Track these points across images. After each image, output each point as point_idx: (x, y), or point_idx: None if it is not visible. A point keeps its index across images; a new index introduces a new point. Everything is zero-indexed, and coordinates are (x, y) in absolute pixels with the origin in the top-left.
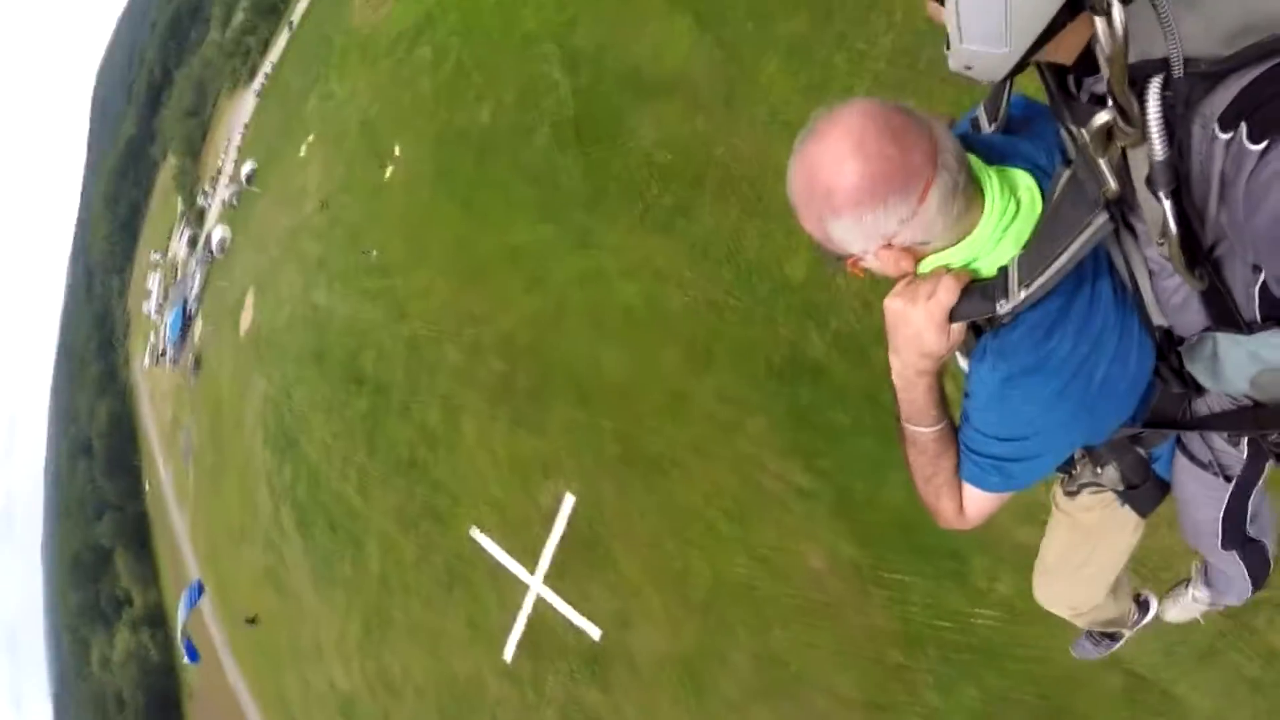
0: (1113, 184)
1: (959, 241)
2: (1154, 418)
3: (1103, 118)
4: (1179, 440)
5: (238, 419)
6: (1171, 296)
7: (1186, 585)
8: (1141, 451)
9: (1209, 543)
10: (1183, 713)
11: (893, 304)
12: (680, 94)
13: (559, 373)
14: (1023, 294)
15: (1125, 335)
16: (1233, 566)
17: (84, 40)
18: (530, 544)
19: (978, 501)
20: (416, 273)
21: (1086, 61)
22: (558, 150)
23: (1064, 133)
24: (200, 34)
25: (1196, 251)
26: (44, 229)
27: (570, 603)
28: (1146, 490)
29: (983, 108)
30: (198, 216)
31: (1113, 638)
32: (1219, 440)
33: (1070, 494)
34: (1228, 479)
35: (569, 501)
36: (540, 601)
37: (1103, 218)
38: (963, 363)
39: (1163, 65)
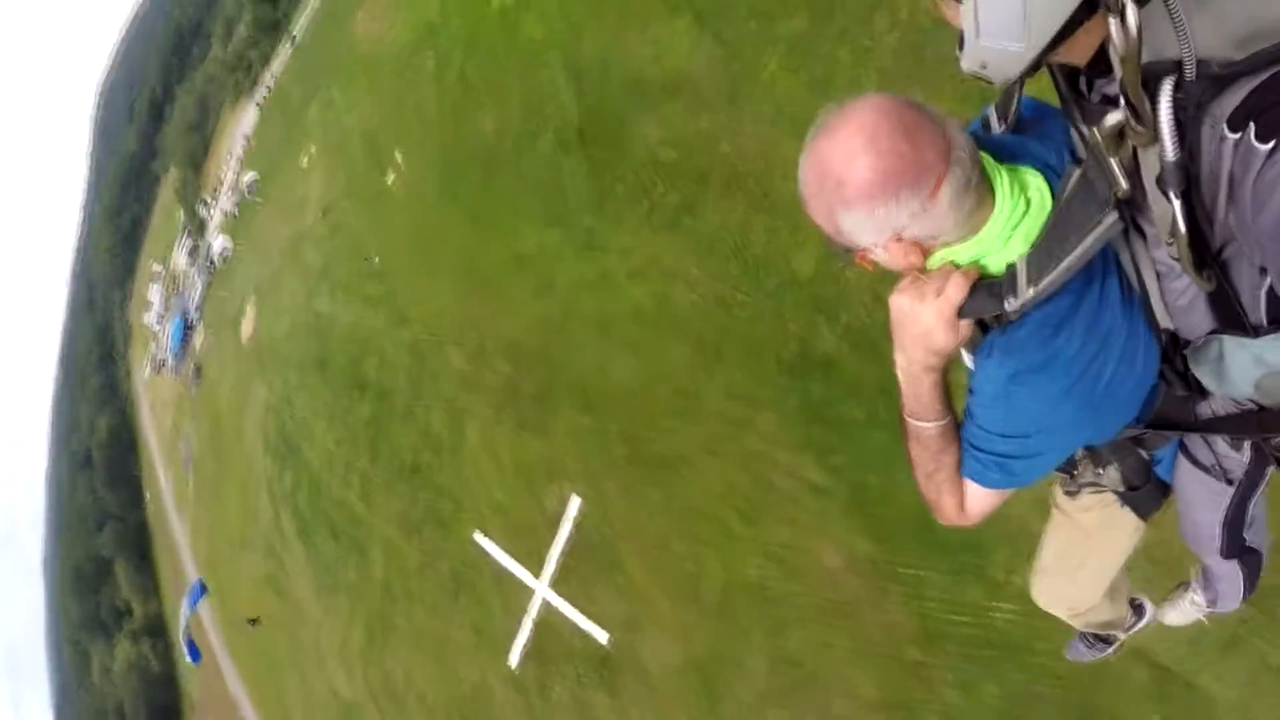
0: (1123, 183)
1: (968, 238)
2: (1158, 419)
3: (1115, 118)
4: (1182, 443)
5: (238, 427)
6: (1178, 299)
7: (1185, 589)
8: (1144, 453)
9: (1208, 546)
10: (1207, 704)
11: (899, 301)
12: (683, 94)
13: (565, 376)
14: (1031, 292)
15: (1132, 336)
16: (1230, 571)
17: (83, 61)
18: (536, 548)
19: (979, 498)
20: (419, 279)
21: (1097, 63)
22: (562, 155)
23: (1074, 133)
24: (202, 50)
25: (1205, 252)
26: (44, 245)
27: (577, 607)
28: (1147, 492)
29: (993, 107)
30: (199, 227)
31: (1107, 641)
32: (1222, 444)
33: (1070, 494)
34: (1230, 483)
35: (575, 504)
36: (546, 606)
37: (1112, 217)
38: (968, 359)
39: (1175, 67)
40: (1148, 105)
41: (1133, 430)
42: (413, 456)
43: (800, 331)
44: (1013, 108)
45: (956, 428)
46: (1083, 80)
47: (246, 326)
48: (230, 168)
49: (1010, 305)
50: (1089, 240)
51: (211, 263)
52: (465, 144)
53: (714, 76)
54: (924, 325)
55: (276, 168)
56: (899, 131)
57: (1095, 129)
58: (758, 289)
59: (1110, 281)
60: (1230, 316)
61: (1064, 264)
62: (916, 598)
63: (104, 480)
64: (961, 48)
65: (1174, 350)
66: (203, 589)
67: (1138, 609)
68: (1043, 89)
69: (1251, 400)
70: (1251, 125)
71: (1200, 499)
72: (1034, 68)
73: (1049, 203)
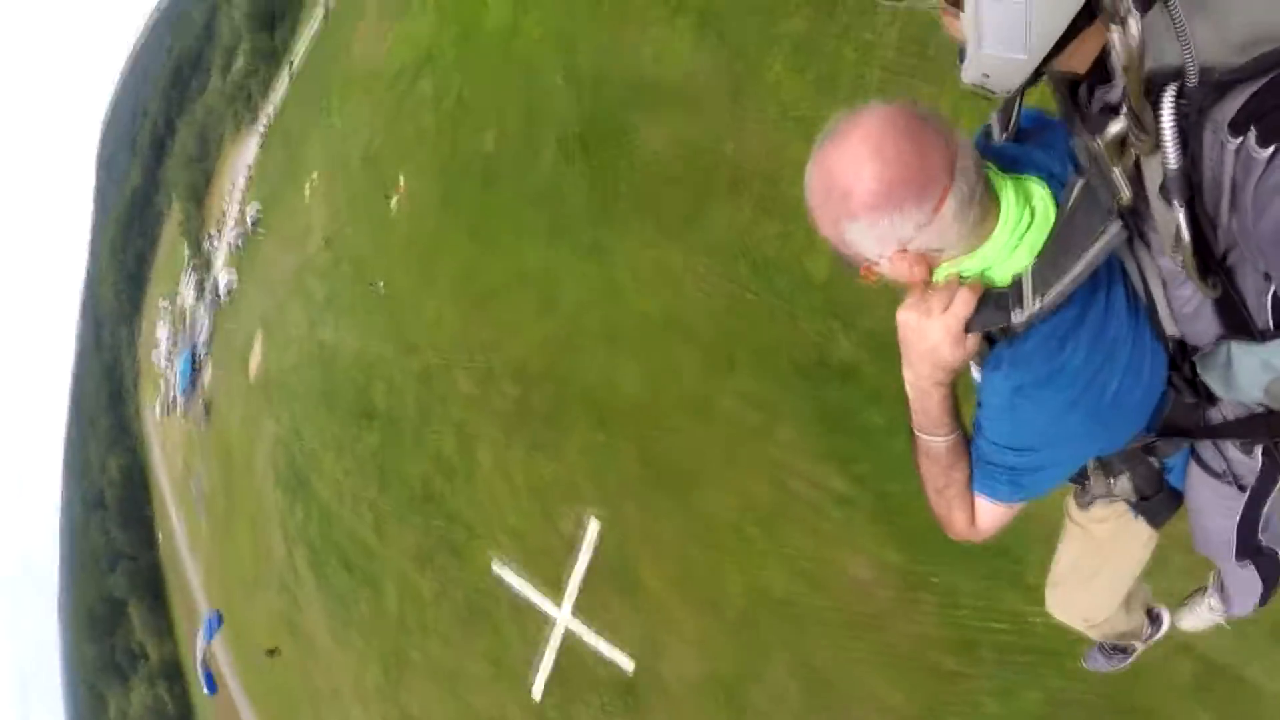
0: (1126, 192)
1: (974, 250)
2: (1167, 427)
3: (1117, 126)
4: (1192, 450)
5: (248, 463)
6: (1184, 306)
7: (1202, 594)
8: (1154, 462)
9: (1222, 552)
10: (1256, 698)
11: (907, 317)
12: (686, 97)
13: (575, 394)
14: (1037, 304)
15: (1138, 346)
16: (1246, 576)
17: (86, 99)
18: (554, 574)
19: (990, 512)
20: (425, 303)
21: (1098, 72)
22: (565, 166)
23: (1076, 142)
24: (201, 83)
25: (1209, 259)
26: (52, 286)
27: (599, 633)
28: (1160, 501)
29: (995, 118)
30: (204, 262)
31: (1125, 651)
32: (1233, 449)
33: (1083, 505)
34: (1242, 488)
35: (594, 526)
36: (568, 634)
37: (1117, 226)
38: (975, 372)
39: (1176, 74)
40: (1150, 113)
41: (1143, 439)
42: (423, 484)
43: (816, 337)
44: (1014, 117)
45: (966, 443)
46: (1083, 89)
47: (254, 361)
48: (233, 200)
49: (1017, 318)
50: (1094, 250)
51: (218, 297)
52: (466, 164)
53: (716, 79)
54: (931, 341)
55: (279, 198)
56: (905, 141)
57: (1097, 138)
58: (771, 293)
59: (1116, 291)
60: (1237, 322)
61: (1070, 275)
62: (950, 606)
63: (116, 520)
64: (963, 60)
65: (1181, 357)
66: (219, 620)
67: (1155, 619)
68: (1042, 99)
69: (1261, 404)
70: (1252, 130)
71: (1213, 506)
72: (1035, 78)
73: (1053, 213)
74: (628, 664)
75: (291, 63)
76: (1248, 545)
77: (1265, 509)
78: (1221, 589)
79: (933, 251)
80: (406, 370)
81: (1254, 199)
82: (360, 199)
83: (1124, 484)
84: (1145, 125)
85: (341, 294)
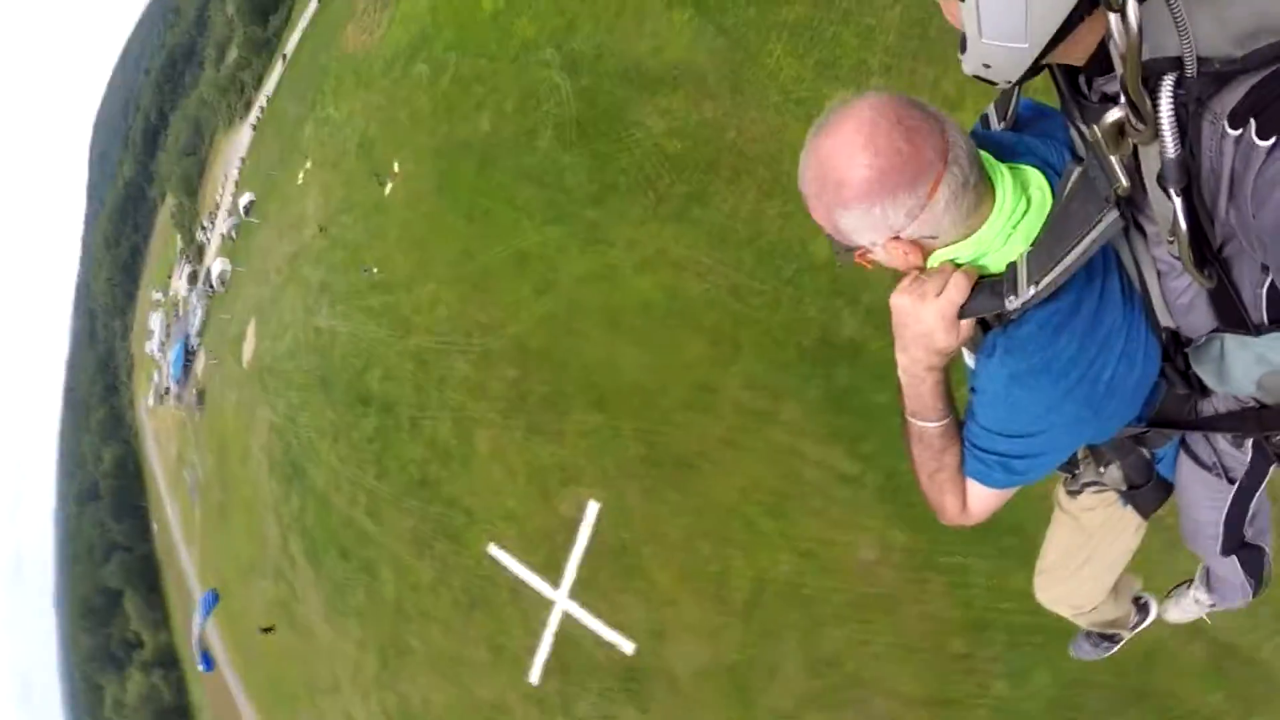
0: (1124, 181)
1: (968, 237)
2: (1159, 418)
3: (1115, 115)
4: (1183, 441)
5: (243, 451)
6: (1179, 297)
7: (1188, 586)
8: (1145, 452)
9: (1208, 545)
10: (1270, 678)
11: (900, 301)
12: (686, 83)
13: (574, 376)
14: (1032, 290)
15: (1133, 335)
16: (1230, 569)
17: (79, 94)
18: (553, 557)
19: (981, 497)
20: (421, 287)
21: (1097, 62)
22: (562, 151)
23: (1073, 132)
24: (194, 75)
25: (1206, 250)
26: (46, 280)
27: (599, 617)
28: (1149, 491)
29: (993, 107)
30: (197, 252)
31: (1112, 639)
32: (1223, 442)
33: (1073, 493)
34: (1231, 481)
35: (592, 509)
36: (567, 618)
37: (1113, 214)
38: (969, 359)
39: (1175, 63)
40: (1148, 102)
41: (1134, 429)
42: (421, 469)
43: (820, 317)
44: (1012, 106)
45: (958, 428)
46: (1082, 79)
47: (248, 349)
48: (226, 190)
49: (1012, 304)
50: (1090, 238)
51: (211, 287)
52: (462, 147)
53: (717, 65)
54: (925, 325)
55: (273, 187)
56: (898, 129)
57: (1095, 127)
58: (774, 276)
59: (1111, 280)
60: (1231, 315)
61: (1065, 262)
62: (960, 586)
63: (111, 511)
64: (963, 50)
65: (1175, 349)
66: (215, 597)
67: (1142, 607)
68: (1041, 90)
69: (1253, 398)
70: (1252, 122)
71: (1201, 497)
72: (1035, 69)
73: (1050, 201)
74: (628, 646)
75: (285, 53)
76: (1233, 539)
77: (1253, 503)
78: (1207, 582)
79: (927, 239)
80: (403, 353)
81: (1254, 190)
82: (355, 185)
83: (1114, 472)
84: (1143, 113)
85: (337, 280)
